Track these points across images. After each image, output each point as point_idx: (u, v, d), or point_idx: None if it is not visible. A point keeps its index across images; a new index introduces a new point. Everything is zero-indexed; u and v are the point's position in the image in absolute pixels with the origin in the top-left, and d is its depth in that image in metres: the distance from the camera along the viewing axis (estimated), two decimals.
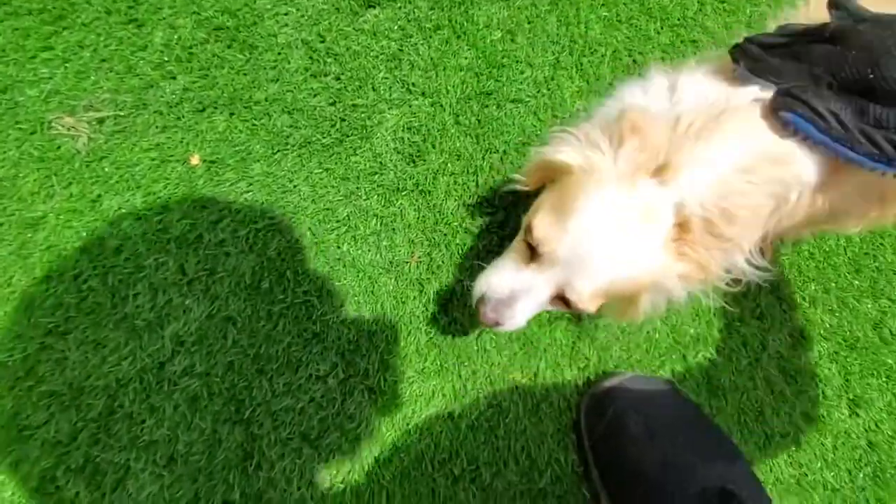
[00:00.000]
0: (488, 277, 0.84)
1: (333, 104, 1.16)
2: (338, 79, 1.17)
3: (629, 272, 0.73)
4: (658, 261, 0.73)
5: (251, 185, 1.07)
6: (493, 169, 1.15)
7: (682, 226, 0.72)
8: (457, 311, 1.09)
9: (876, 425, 1.15)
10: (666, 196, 0.70)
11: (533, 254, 0.78)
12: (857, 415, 1.15)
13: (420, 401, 1.02)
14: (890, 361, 1.19)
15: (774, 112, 0.67)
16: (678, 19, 1.35)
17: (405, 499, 0.96)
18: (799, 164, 0.70)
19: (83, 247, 1.01)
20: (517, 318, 0.82)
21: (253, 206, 1.06)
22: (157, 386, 0.96)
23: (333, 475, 0.96)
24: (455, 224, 1.14)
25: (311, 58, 1.18)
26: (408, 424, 1.00)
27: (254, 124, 1.11)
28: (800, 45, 0.68)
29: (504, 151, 1.20)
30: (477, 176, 1.18)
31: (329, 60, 1.18)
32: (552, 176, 0.84)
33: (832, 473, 1.11)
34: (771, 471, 1.11)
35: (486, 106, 1.23)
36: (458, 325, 1.08)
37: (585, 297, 0.75)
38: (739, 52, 0.73)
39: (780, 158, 0.70)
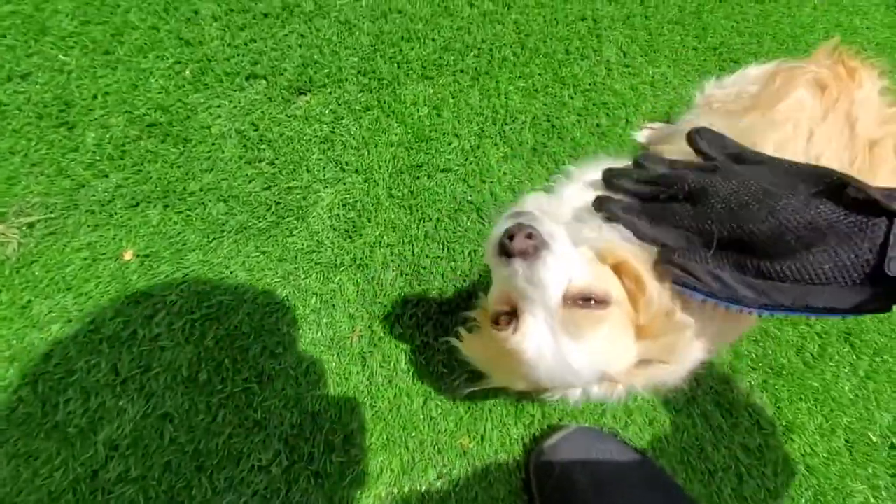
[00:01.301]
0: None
1: (268, 188, 1.09)
2: (272, 164, 1.11)
3: None
4: None
5: (187, 275, 0.98)
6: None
7: None
8: (401, 382, 1.01)
9: (811, 448, 1.09)
10: None
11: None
12: (792, 440, 1.10)
13: (368, 479, 0.92)
14: (815, 384, 1.14)
15: (662, 278, 0.61)
16: (589, 84, 1.35)
17: None
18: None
19: (12, 356, 0.89)
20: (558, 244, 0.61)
21: (189, 296, 0.96)
22: (91, 496, 0.83)
23: None
24: (394, 294, 1.07)
25: (244, 146, 1.11)
26: None
27: (188, 215, 1.03)
28: (662, 206, 0.62)
29: (437, 219, 1.15)
30: (412, 245, 1.11)
31: (263, 147, 1.12)
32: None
33: (776, 503, 1.04)
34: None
35: (418, 177, 1.18)
36: (403, 396, 1.00)
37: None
38: (602, 207, 0.66)
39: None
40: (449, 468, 0.94)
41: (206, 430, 0.88)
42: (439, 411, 0.98)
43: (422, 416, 0.97)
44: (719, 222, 0.56)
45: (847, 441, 1.12)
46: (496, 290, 0.70)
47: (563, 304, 0.60)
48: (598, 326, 0.61)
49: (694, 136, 0.65)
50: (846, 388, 1.14)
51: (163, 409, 0.87)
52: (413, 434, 0.95)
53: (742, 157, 0.62)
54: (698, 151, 0.65)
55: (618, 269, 0.64)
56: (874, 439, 1.13)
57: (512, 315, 0.64)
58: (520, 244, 0.58)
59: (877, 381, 1.16)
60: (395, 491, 0.90)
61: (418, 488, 0.91)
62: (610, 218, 0.65)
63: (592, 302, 0.61)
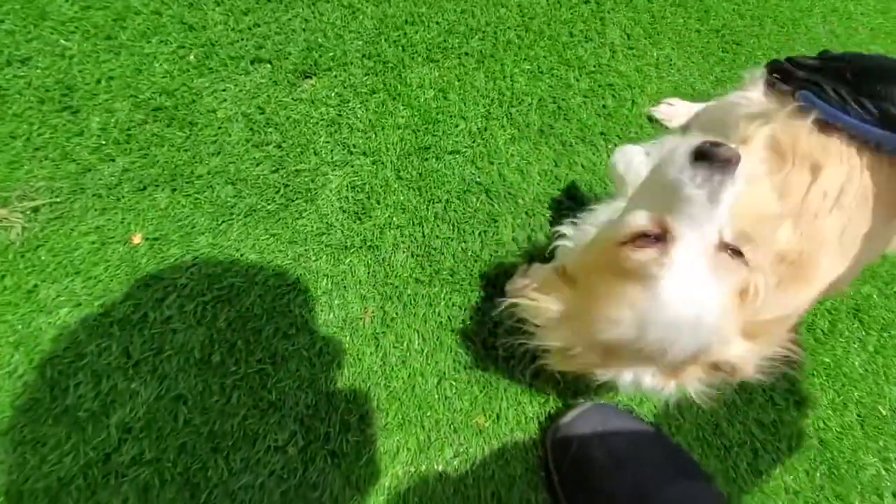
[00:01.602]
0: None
1: (276, 171, 1.07)
2: (279, 147, 1.10)
3: None
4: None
5: (197, 258, 0.97)
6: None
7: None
8: (415, 362, 1.00)
9: (824, 423, 1.09)
10: None
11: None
12: (806, 415, 1.10)
13: (385, 458, 0.91)
14: (827, 360, 1.15)
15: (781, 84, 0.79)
16: (594, 66, 1.35)
17: None
18: None
19: (17, 340, 0.87)
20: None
21: (199, 279, 0.95)
22: (104, 480, 0.82)
23: None
24: (405, 275, 1.06)
25: (251, 129, 1.10)
26: (374, 485, 0.89)
27: (197, 198, 1.02)
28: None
29: (446, 200, 1.14)
30: (422, 226, 1.10)
31: (269, 130, 1.11)
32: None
33: (791, 477, 1.04)
34: (734, 481, 1.03)
35: (426, 159, 1.17)
36: (417, 376, 0.99)
37: None
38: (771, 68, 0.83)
39: None
40: (465, 447, 0.93)
41: (221, 411, 0.86)
42: (454, 391, 0.98)
43: (437, 396, 0.96)
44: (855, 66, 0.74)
45: (859, 415, 1.12)
46: (644, 203, 0.59)
47: (717, 245, 0.54)
48: (734, 286, 0.54)
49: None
50: (856, 363, 1.15)
51: (176, 391, 0.86)
52: (428, 413, 0.94)
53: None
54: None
55: None
56: (884, 413, 1.14)
57: (658, 239, 0.55)
58: (727, 152, 0.50)
59: (885, 356, 1.16)
60: (412, 469, 0.89)
61: (435, 467, 0.90)
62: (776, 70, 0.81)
63: (740, 258, 0.54)
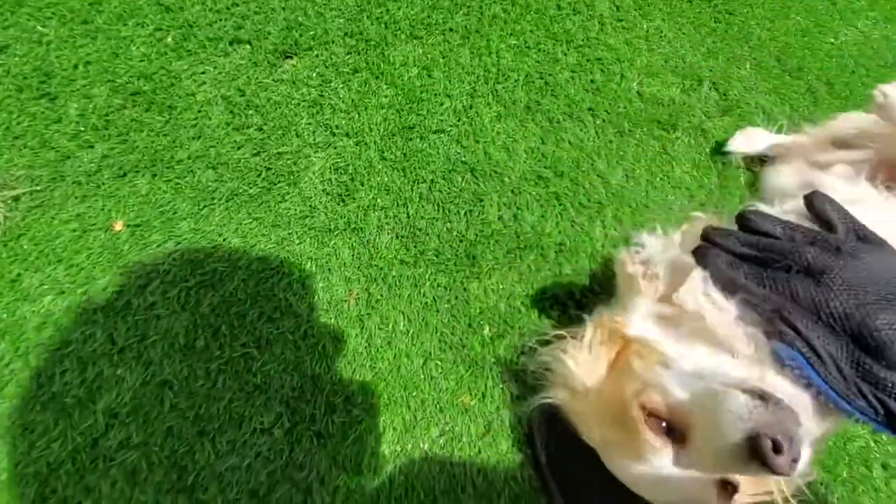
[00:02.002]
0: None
1: (258, 154, 1.06)
2: (260, 129, 1.08)
3: None
4: None
5: (179, 243, 0.96)
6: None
7: None
8: (400, 343, 1.00)
9: None
10: None
11: None
12: None
13: (370, 438, 0.92)
14: None
15: (768, 338, 0.50)
16: (582, 40, 1.31)
17: None
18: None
19: (3, 329, 0.87)
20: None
21: (182, 265, 0.95)
22: (92, 465, 0.83)
23: None
24: (390, 257, 1.06)
25: (231, 112, 1.08)
26: (360, 465, 0.90)
27: (177, 183, 1.01)
28: (773, 273, 0.51)
29: (431, 181, 1.13)
30: (407, 207, 1.09)
31: (250, 113, 1.09)
32: None
33: None
34: None
35: (410, 139, 1.15)
36: (403, 357, 0.99)
37: None
38: (704, 260, 0.54)
39: None
40: (451, 426, 0.94)
41: (207, 395, 0.87)
42: (439, 371, 0.98)
43: (422, 376, 0.96)
44: (843, 312, 0.46)
45: None
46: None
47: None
48: None
49: (818, 202, 0.55)
50: None
51: (162, 376, 0.87)
52: (414, 393, 0.94)
53: (867, 237, 0.53)
54: (822, 218, 0.54)
55: None
56: None
57: (671, 432, 0.51)
58: (784, 463, 0.43)
59: None
60: (398, 449, 0.90)
61: (421, 446, 0.91)
62: (713, 274, 0.53)
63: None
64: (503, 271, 1.05)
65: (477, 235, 1.09)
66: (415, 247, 1.06)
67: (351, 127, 1.11)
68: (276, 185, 1.02)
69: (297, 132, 1.07)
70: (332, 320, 0.96)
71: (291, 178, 1.03)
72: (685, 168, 1.24)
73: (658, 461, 0.50)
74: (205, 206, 0.97)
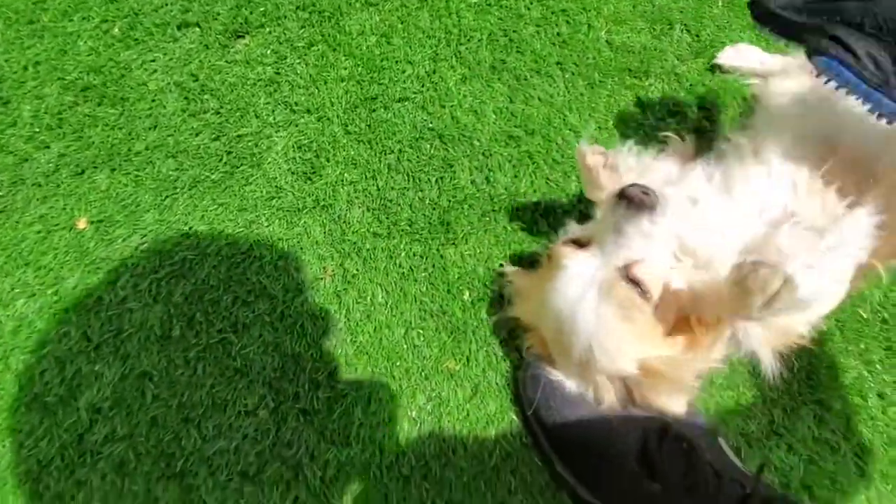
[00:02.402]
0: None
1: (217, 139, 1.04)
2: (217, 113, 1.06)
3: None
4: None
5: (145, 236, 0.95)
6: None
7: None
8: (380, 315, 1.00)
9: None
10: None
11: None
12: None
13: (357, 411, 0.92)
14: None
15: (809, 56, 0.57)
16: None
17: None
18: None
19: None
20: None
21: (150, 257, 0.94)
22: (80, 459, 0.84)
23: None
24: (363, 231, 1.04)
25: (186, 98, 1.06)
26: (348, 437, 0.90)
27: (137, 175, 0.99)
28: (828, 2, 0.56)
29: (399, 150, 1.11)
30: (376, 179, 1.08)
31: (206, 97, 1.07)
32: None
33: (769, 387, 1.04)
34: (711, 396, 1.04)
35: (374, 110, 1.13)
36: (384, 329, 0.99)
37: None
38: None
39: None
40: (437, 391, 0.94)
41: (188, 383, 0.87)
42: (422, 339, 0.98)
43: (405, 346, 0.96)
44: (885, 18, 0.51)
45: (838, 321, 1.11)
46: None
47: (618, 270, 0.68)
48: (624, 310, 0.68)
49: None
50: None
51: (140, 368, 0.87)
52: (398, 364, 0.95)
53: None
54: None
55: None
56: (865, 316, 1.12)
57: (581, 247, 0.73)
58: (635, 192, 0.66)
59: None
60: (386, 418, 0.91)
61: (409, 414, 0.92)
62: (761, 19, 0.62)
63: (638, 290, 0.68)
64: (479, 235, 1.04)
65: (450, 202, 1.08)
66: (387, 218, 1.05)
67: (311, 103, 1.09)
68: (238, 168, 1.01)
69: (255, 113, 1.06)
70: (309, 299, 0.96)
71: (254, 160, 1.02)
72: (659, 115, 1.21)
73: (573, 263, 0.71)
74: (167, 196, 0.96)
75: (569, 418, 0.88)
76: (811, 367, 1.04)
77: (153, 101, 1.02)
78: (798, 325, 0.74)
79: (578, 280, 0.70)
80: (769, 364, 0.73)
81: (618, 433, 0.85)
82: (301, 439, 0.87)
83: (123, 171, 0.97)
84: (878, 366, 1.08)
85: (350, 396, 0.91)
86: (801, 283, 0.62)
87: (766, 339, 0.72)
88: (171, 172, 0.98)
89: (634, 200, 0.66)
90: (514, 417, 0.94)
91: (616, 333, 0.69)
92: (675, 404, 0.75)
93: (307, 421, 0.88)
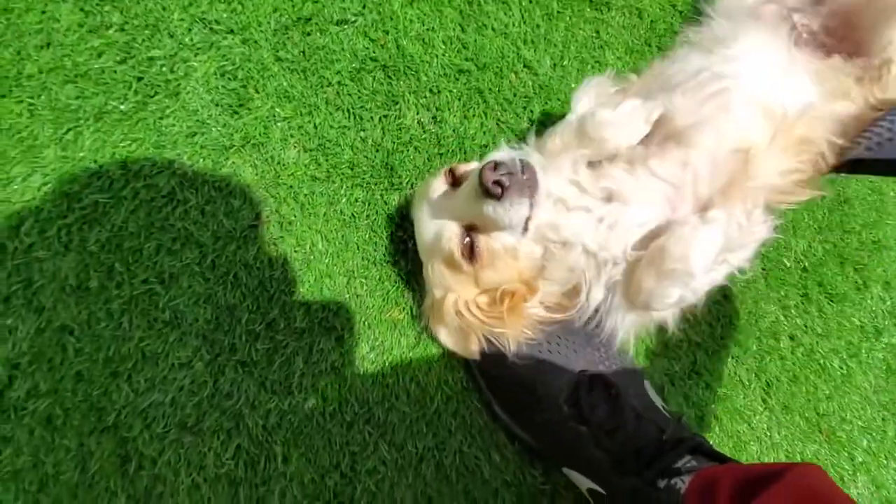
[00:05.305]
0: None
1: (124, 62, 0.95)
2: (122, 30, 0.95)
3: None
4: None
5: (46, 175, 0.88)
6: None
7: None
8: (320, 264, 1.01)
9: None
10: None
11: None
12: None
13: (298, 360, 0.94)
14: None
15: None
16: None
17: (302, 456, 0.92)
18: None
19: None
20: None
21: (56, 199, 0.88)
22: (3, 416, 0.84)
23: (222, 454, 0.90)
24: (299, 173, 1.01)
25: (83, 10, 0.94)
26: (290, 387, 0.93)
27: (31, 104, 0.89)
28: None
29: (338, 83, 1.06)
30: (312, 116, 1.03)
31: (107, 9, 0.95)
32: None
33: (694, 330, 1.16)
34: (641, 340, 1.15)
35: (308, 34, 1.05)
36: (324, 278, 1.00)
37: None
38: None
39: None
40: (381, 340, 0.99)
41: (113, 336, 0.87)
42: (365, 288, 1.00)
43: (347, 295, 0.99)
44: None
45: (763, 269, 1.23)
46: None
47: (461, 225, 0.84)
48: (448, 260, 0.87)
49: None
50: None
51: (58, 321, 0.85)
52: (340, 313, 0.97)
53: None
54: None
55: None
56: (788, 265, 1.25)
57: (455, 185, 0.90)
58: (487, 180, 0.77)
59: (794, 210, 1.25)
60: (328, 367, 0.95)
61: (352, 362, 0.96)
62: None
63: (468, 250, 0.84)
64: (425, 180, 1.04)
65: (394, 143, 1.06)
66: (326, 160, 1.02)
67: (235, 21, 1.00)
68: (152, 97, 0.94)
69: (168, 31, 0.96)
70: (242, 248, 0.95)
71: (170, 88, 0.95)
72: (618, 53, 1.21)
73: (439, 193, 0.87)
74: (69, 129, 0.89)
75: (505, 365, 0.96)
76: (734, 312, 1.16)
77: (43, 13, 0.91)
78: (668, 317, 0.84)
79: (432, 218, 0.86)
80: (628, 342, 0.89)
81: (551, 376, 0.94)
82: (241, 390, 0.90)
83: (14, 98, 0.88)
84: (793, 310, 1.22)
85: (291, 347, 0.94)
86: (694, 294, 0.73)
87: (634, 322, 0.81)
88: (71, 101, 0.90)
89: (487, 188, 0.75)
90: (456, 363, 1.01)
91: (438, 269, 0.88)
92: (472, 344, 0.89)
93: (246, 372, 0.91)
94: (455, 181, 0.85)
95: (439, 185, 0.86)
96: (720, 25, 0.94)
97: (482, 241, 0.82)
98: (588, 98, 0.90)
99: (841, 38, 0.91)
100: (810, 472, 0.65)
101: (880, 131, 0.84)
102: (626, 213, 0.81)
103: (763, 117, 0.82)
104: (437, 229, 0.85)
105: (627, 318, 0.85)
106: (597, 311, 0.86)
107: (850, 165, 0.88)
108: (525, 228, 0.80)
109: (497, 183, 0.74)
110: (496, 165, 0.75)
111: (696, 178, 0.80)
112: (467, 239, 0.82)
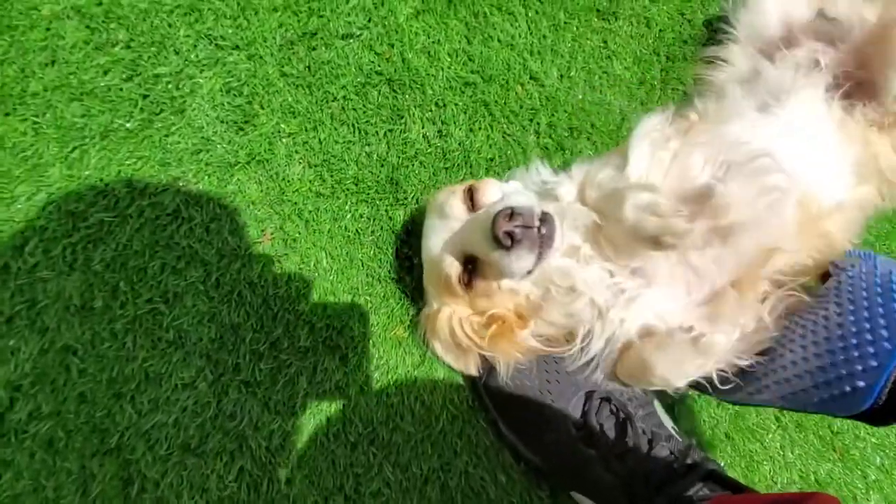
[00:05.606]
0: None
1: (130, 79, 0.95)
2: (128, 47, 0.95)
3: None
4: None
5: (52, 194, 0.88)
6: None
7: None
8: (324, 282, 1.00)
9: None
10: None
11: None
12: None
13: (302, 380, 0.94)
14: None
15: None
16: None
17: (305, 478, 0.91)
18: None
19: None
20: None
21: (61, 218, 0.88)
22: (4, 439, 0.84)
23: (225, 477, 0.89)
24: (304, 190, 1.01)
25: (88, 27, 0.94)
26: (293, 407, 0.93)
27: (36, 122, 0.90)
28: None
29: (343, 97, 1.05)
30: (317, 131, 1.03)
31: (113, 27, 0.95)
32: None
33: None
34: None
35: (314, 48, 1.05)
36: (328, 296, 0.99)
37: None
38: None
39: None
40: (385, 359, 0.98)
41: (117, 357, 0.86)
42: (369, 306, 1.00)
43: (351, 313, 0.98)
44: None
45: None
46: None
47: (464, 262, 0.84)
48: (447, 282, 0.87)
49: None
50: None
51: (62, 342, 0.85)
52: (344, 331, 0.97)
53: None
54: None
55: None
56: None
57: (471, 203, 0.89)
58: (499, 231, 0.75)
59: None
60: (332, 387, 0.94)
61: (357, 381, 0.95)
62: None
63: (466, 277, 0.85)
64: (430, 195, 1.03)
65: (399, 158, 1.05)
66: (331, 176, 1.02)
67: (240, 37, 1.00)
68: (158, 115, 0.94)
69: (174, 48, 0.96)
70: (246, 265, 0.95)
71: (175, 105, 0.95)
72: (626, 63, 1.20)
73: (454, 214, 0.85)
74: (75, 148, 0.89)
75: (512, 382, 0.95)
76: None
77: (48, 30, 0.91)
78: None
79: (440, 235, 0.86)
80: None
81: (558, 397, 0.93)
82: (244, 410, 0.90)
83: (19, 117, 0.88)
84: None
85: (294, 366, 0.93)
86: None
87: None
88: (76, 119, 0.90)
89: (497, 237, 0.73)
90: (461, 382, 1.00)
91: (436, 285, 0.89)
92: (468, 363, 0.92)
93: (250, 392, 0.91)
94: (473, 205, 0.83)
95: (457, 203, 0.84)
96: (764, 68, 0.94)
97: (480, 275, 0.82)
98: (643, 148, 0.82)
99: (857, 82, 0.91)
100: (824, 503, 0.63)
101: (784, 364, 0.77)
102: (646, 294, 0.80)
103: (800, 211, 0.80)
104: (441, 250, 0.84)
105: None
106: (591, 361, 0.84)
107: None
108: (529, 273, 0.79)
109: (509, 234, 0.71)
110: (512, 214, 0.72)
111: (721, 271, 0.78)
112: (467, 272, 0.82)
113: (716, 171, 0.78)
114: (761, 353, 0.75)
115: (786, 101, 0.88)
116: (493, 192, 0.83)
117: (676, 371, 0.74)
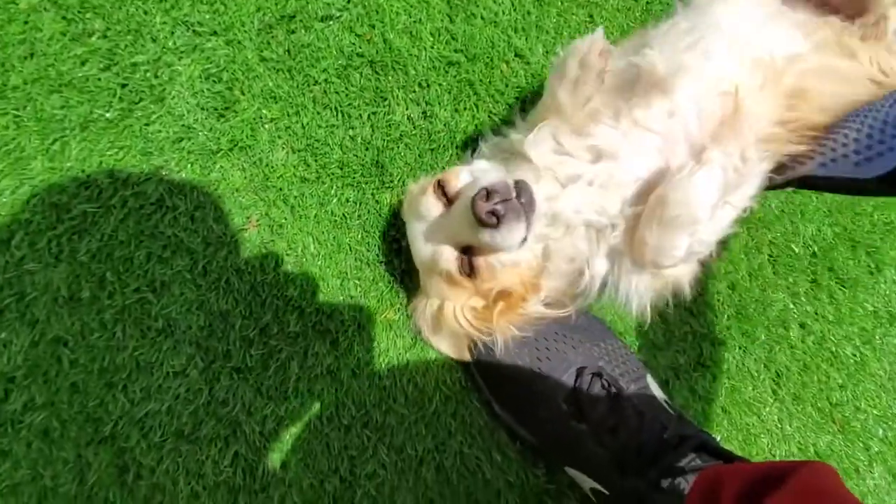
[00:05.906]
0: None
1: (108, 69, 0.94)
2: (105, 37, 0.95)
3: None
4: None
5: (35, 187, 0.89)
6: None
7: None
8: (313, 267, 1.00)
9: (734, 267, 1.18)
10: None
11: None
12: (717, 261, 1.17)
13: (293, 365, 0.94)
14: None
15: None
16: None
17: (300, 462, 0.92)
18: None
19: None
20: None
21: (45, 211, 0.88)
22: (1, 429, 0.85)
23: (220, 462, 0.90)
24: (288, 175, 1.01)
25: (65, 18, 0.94)
26: (286, 392, 0.93)
27: (17, 115, 0.90)
28: None
29: (325, 81, 1.05)
30: (300, 116, 1.02)
31: (89, 17, 0.95)
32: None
33: (698, 321, 1.14)
34: (644, 333, 1.13)
35: (293, 32, 1.04)
36: (317, 280, 1.00)
37: None
38: None
39: None
40: (376, 342, 0.98)
41: (107, 346, 0.87)
42: (359, 290, 1.00)
43: (341, 298, 0.98)
44: None
45: (770, 255, 1.20)
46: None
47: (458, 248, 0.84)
48: (446, 276, 0.86)
49: None
50: (773, 204, 1.20)
51: (52, 333, 0.86)
52: (334, 316, 0.97)
53: None
54: None
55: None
56: (797, 251, 1.22)
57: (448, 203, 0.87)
58: (481, 211, 0.73)
59: (803, 193, 1.22)
60: (324, 371, 0.95)
61: (348, 364, 0.96)
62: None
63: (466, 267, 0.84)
64: (417, 178, 1.03)
65: (384, 140, 1.05)
66: (315, 161, 1.02)
67: (217, 23, 0.99)
68: (137, 104, 0.93)
69: (151, 36, 0.96)
70: (233, 253, 0.95)
71: (154, 93, 0.94)
72: (613, 37, 1.19)
73: (432, 213, 0.84)
74: (55, 140, 0.89)
75: (504, 360, 0.95)
76: (741, 302, 1.14)
77: (25, 23, 0.91)
78: (682, 276, 0.81)
79: (426, 236, 0.85)
80: (646, 311, 0.85)
81: (549, 373, 0.93)
82: (236, 397, 0.91)
83: (0, 111, 0.88)
84: (802, 297, 1.19)
85: (285, 352, 0.94)
86: (703, 240, 0.71)
87: (647, 286, 0.81)
88: (56, 111, 0.90)
89: (482, 219, 0.72)
90: (453, 363, 1.01)
91: (436, 284, 0.88)
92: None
93: (241, 378, 0.91)
94: (447, 200, 0.82)
95: (431, 200, 0.83)
96: None
97: (481, 259, 0.80)
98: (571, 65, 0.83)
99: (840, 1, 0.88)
100: (819, 471, 0.63)
101: (834, 146, 0.81)
102: (617, 169, 0.79)
103: (750, 65, 0.80)
104: (432, 251, 0.83)
105: (639, 282, 0.83)
106: (605, 283, 0.84)
107: (800, 181, 0.85)
108: (524, 241, 0.78)
109: (492, 213, 0.71)
110: (488, 194, 0.71)
111: (685, 125, 0.78)
112: (465, 257, 0.81)
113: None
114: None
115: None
116: (463, 177, 0.83)
117: (689, 191, 0.71)
